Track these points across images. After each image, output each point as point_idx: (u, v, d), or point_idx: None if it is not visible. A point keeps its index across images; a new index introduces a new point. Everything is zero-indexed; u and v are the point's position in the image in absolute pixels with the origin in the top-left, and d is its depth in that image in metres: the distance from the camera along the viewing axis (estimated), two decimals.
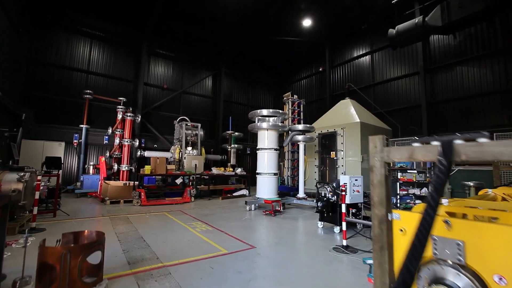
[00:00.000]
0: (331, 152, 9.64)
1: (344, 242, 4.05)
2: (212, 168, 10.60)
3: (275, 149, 7.84)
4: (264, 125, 7.69)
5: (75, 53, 11.22)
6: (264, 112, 7.86)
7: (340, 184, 5.21)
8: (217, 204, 8.42)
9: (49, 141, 10.00)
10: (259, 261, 3.51)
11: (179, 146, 11.51)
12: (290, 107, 11.85)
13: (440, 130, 9.63)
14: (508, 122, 8.10)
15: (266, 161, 7.76)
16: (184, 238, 4.44)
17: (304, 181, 10.70)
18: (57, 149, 10.06)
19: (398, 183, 7.31)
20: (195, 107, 14.67)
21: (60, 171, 6.30)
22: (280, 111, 7.97)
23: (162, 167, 8.60)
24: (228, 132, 13.99)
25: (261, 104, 17.68)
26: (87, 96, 10.69)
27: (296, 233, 5.01)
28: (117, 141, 10.31)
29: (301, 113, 11.98)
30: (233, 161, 14.00)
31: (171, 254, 3.67)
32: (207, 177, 9.92)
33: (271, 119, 8.04)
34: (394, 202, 7.62)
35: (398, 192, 7.28)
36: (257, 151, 8.11)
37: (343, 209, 4.31)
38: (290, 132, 8.72)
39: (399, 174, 7.45)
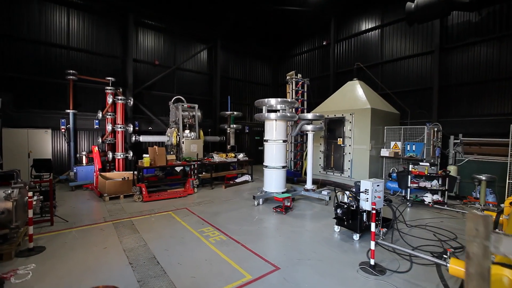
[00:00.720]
0: (338, 139, 9.27)
1: (372, 261, 3.86)
2: (213, 155, 10.13)
3: (284, 141, 7.38)
4: (273, 115, 7.11)
5: (50, 26, 9.75)
6: (272, 101, 7.21)
7: (361, 190, 4.94)
8: (221, 196, 8.14)
9: (33, 129, 9.10)
10: None
11: (176, 129, 10.85)
12: (293, 88, 11.14)
13: (450, 115, 9.31)
14: None
15: (274, 154, 7.34)
16: (200, 256, 4.15)
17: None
18: (43, 137, 9.23)
19: (409, 176, 7.15)
20: (190, 84, 13.62)
21: (51, 175, 5.70)
22: (289, 100, 7.35)
23: (162, 159, 8.07)
24: (227, 113, 13.25)
25: (259, 78, 16.66)
26: (71, 77, 9.56)
27: (315, 242, 4.79)
28: (109, 127, 9.53)
29: (305, 94, 11.33)
30: (232, 142, 13.50)
31: (191, 284, 3.38)
32: (207, 163, 9.48)
33: (278, 105, 7.41)
34: (403, 194, 7.54)
35: (409, 185, 7.15)
36: (264, 142, 7.64)
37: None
38: (299, 121, 8.17)
39: (411, 166, 7.23)
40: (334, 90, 13.02)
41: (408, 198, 7.15)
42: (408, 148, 8.18)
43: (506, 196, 6.83)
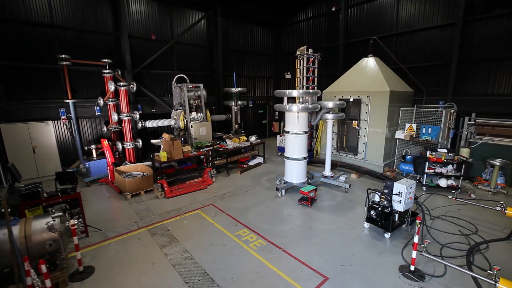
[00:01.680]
0: (353, 121, 9.18)
1: (412, 268, 4.17)
2: (226, 141, 9.94)
3: (305, 132, 7.25)
4: (295, 107, 6.83)
5: (28, 1, 8.39)
6: (295, 93, 6.86)
7: (394, 192, 5.08)
8: (240, 184, 8.24)
9: (32, 122, 8.49)
10: None
11: (182, 112, 10.39)
12: (305, 65, 10.55)
13: (465, 93, 9.22)
14: None
15: (296, 145, 7.27)
16: (249, 268, 4.34)
17: (320, 146, 10.59)
18: (45, 130, 8.66)
19: (427, 163, 7.35)
20: (190, 60, 12.63)
21: (76, 186, 5.49)
22: (311, 90, 6.99)
23: (178, 152, 7.87)
24: (232, 89, 12.61)
25: (261, 48, 15.58)
26: (64, 62, 8.60)
27: (350, 243, 5.06)
28: (115, 116, 8.97)
29: (316, 70, 10.79)
30: (238, 119, 13.16)
31: None
32: (222, 150, 9.37)
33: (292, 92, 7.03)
34: (418, 178, 7.84)
35: (425, 171, 7.39)
36: (285, 134, 7.49)
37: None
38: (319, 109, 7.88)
39: (428, 152, 7.39)
40: (343, 62, 12.53)
41: (424, 183, 7.47)
42: (424, 131, 8.23)
43: None
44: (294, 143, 7.27)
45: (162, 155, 7.65)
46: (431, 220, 5.79)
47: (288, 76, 15.88)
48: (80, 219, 5.05)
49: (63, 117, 9.23)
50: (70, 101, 8.92)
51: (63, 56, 8.53)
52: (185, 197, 7.38)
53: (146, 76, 11.26)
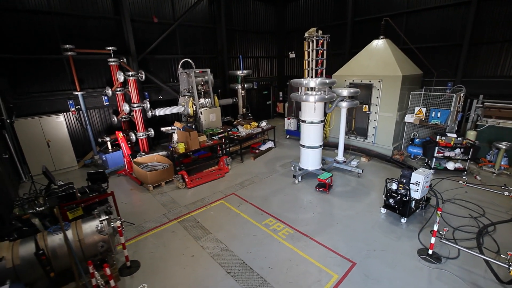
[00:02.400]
0: (364, 106, 9.30)
1: (430, 251, 4.63)
2: (238, 127, 10.02)
3: (321, 121, 7.39)
4: (311, 98, 6.90)
5: None
6: (311, 83, 6.88)
7: (412, 181, 5.42)
8: (256, 171, 8.52)
9: (43, 116, 8.38)
10: None
11: (191, 98, 10.33)
12: (314, 47, 10.31)
13: (474, 75, 9.30)
14: None
15: (311, 134, 7.45)
16: (282, 257, 4.75)
17: (329, 129, 10.78)
18: (57, 124, 8.58)
19: (436, 147, 7.66)
20: (194, 42, 12.18)
21: (107, 184, 5.67)
22: (327, 80, 6.99)
23: (195, 142, 8.00)
24: (238, 72, 12.37)
25: (262, 25, 14.98)
26: (69, 53, 8.28)
27: (370, 229, 5.47)
28: (126, 107, 8.88)
29: (325, 52, 10.59)
30: (245, 103, 13.09)
31: None
32: (236, 137, 9.50)
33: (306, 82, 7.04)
34: (426, 160, 8.22)
35: (435, 155, 7.74)
36: (301, 123, 7.62)
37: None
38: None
39: (438, 137, 7.68)
40: (351, 42, 12.29)
41: (432, 166, 7.86)
42: (433, 115, 8.44)
43: None
44: (310, 131, 7.44)
45: (180, 147, 7.78)
46: (442, 204, 6.23)
47: (292, 55, 15.54)
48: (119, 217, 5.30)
49: (73, 109, 9.11)
50: (79, 93, 8.74)
51: (68, 46, 8.18)
52: (205, 186, 7.67)
53: (150, 62, 10.94)
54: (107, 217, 4.24)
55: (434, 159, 7.77)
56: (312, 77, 7.55)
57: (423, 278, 4.22)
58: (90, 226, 4.13)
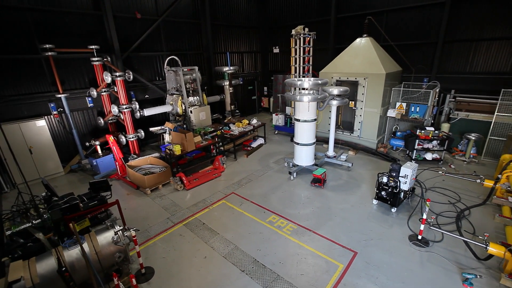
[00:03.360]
0: (350, 102, 9.78)
1: (419, 237, 5.22)
2: (230, 125, 10.10)
3: (314, 119, 7.73)
4: (305, 98, 7.18)
5: None
6: (305, 84, 7.14)
7: (401, 175, 5.97)
8: (251, 169, 8.74)
9: (23, 121, 7.85)
10: (379, 276, 4.47)
11: (180, 97, 10.19)
12: (301, 45, 10.59)
13: (448, 71, 10.12)
14: (510, 70, 8.91)
15: (305, 132, 7.78)
16: (291, 251, 5.09)
17: (317, 124, 11.19)
18: (39, 129, 8.09)
19: (417, 140, 8.38)
20: (179, 38, 11.85)
21: (111, 193, 5.57)
22: (320, 81, 7.29)
23: (191, 144, 8.00)
24: (227, 70, 12.29)
25: (245, 19, 14.87)
26: (49, 53, 7.76)
27: (365, 219, 5.98)
28: (115, 109, 8.57)
29: (311, 50, 10.90)
30: (233, 100, 13.11)
31: (307, 282, 4.38)
32: (228, 136, 9.60)
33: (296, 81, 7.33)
34: (407, 152, 8.95)
35: (416, 148, 8.46)
36: (294, 121, 7.90)
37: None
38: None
39: (418, 131, 8.39)
40: (334, 38, 12.70)
41: (413, 157, 8.59)
42: (413, 109, 9.16)
43: (484, 148, 8.64)
44: (304, 130, 7.77)
45: (176, 149, 7.75)
46: (425, 192, 6.93)
47: (276, 50, 15.66)
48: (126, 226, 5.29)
49: (55, 112, 8.62)
50: (62, 96, 8.28)
51: (47, 46, 7.66)
52: (203, 187, 7.76)
53: (135, 60, 10.54)
54: (121, 227, 4.26)
55: (415, 151, 8.50)
56: (299, 73, 7.83)
57: (415, 261, 4.78)
58: (106, 238, 4.14)
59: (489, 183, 6.02)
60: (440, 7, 9.67)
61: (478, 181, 6.23)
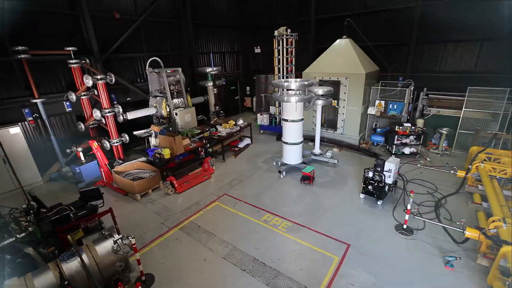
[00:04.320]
0: (333, 100, 10.18)
1: (405, 226, 5.64)
2: (217, 127, 10.09)
3: (301, 119, 7.97)
4: (293, 99, 7.40)
5: None
6: (292, 85, 7.35)
7: (385, 169, 6.39)
8: (240, 169, 8.82)
9: None
10: (372, 264, 4.79)
11: (164, 100, 10.01)
12: (284, 45, 10.82)
13: (421, 70, 10.85)
14: (474, 69, 9.78)
15: (293, 131, 8.00)
16: (288, 248, 5.28)
17: None
18: (13, 137, 7.57)
19: (396, 136, 8.95)
20: (159, 38, 11.57)
21: (103, 202, 5.39)
22: (306, 82, 7.54)
23: (180, 147, 7.93)
24: (208, 69, 12.20)
25: (225, 19, 14.82)
26: (22, 56, 7.27)
27: (354, 213, 6.34)
28: (97, 113, 8.22)
29: (293, 50, 11.18)
30: (217, 101, 13.06)
31: (306, 276, 4.59)
32: (216, 137, 9.60)
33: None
34: (388, 147, 9.52)
35: (395, 143, 9.03)
36: (282, 121, 8.10)
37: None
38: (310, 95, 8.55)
39: (397, 127, 8.96)
40: (314, 38, 13.07)
41: (393, 152, 9.16)
42: (390, 107, 9.74)
43: (455, 141, 9.42)
44: (292, 129, 7.99)
45: (166, 153, 7.64)
46: (406, 184, 7.44)
47: (257, 50, 15.79)
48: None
49: (30, 118, 8.11)
50: (38, 101, 7.80)
51: (20, 48, 7.18)
52: (194, 190, 7.73)
53: (115, 61, 10.16)
54: (120, 236, 4.19)
55: (394, 146, 9.08)
56: (283, 74, 7.98)
57: (403, 248, 5.18)
58: (105, 247, 4.05)
59: (461, 173, 6.61)
60: (411, 11, 10.33)
61: (452, 172, 6.82)
